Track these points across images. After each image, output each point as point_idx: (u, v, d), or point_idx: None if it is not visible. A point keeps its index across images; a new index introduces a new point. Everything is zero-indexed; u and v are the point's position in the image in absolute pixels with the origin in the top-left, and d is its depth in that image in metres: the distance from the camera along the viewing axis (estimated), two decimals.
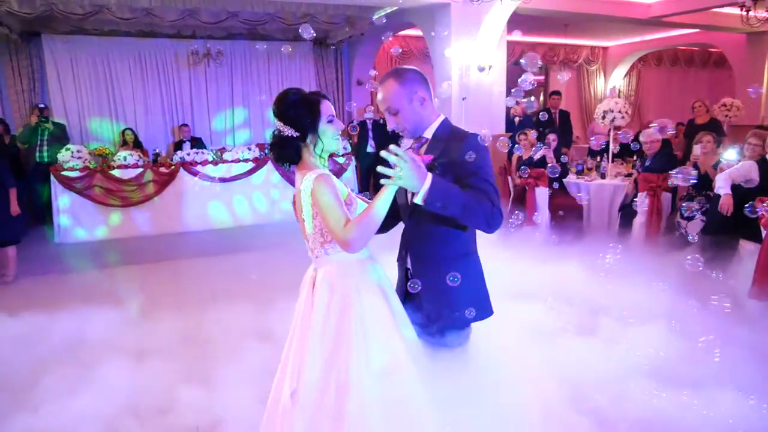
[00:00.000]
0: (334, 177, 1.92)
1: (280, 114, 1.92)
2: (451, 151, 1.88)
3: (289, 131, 1.91)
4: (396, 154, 1.67)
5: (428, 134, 1.98)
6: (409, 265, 2.05)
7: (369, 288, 1.91)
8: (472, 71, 7.68)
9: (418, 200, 1.74)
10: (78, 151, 7.06)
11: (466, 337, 2.03)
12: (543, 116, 6.87)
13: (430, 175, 1.73)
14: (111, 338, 3.50)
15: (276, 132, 1.96)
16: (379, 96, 1.97)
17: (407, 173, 1.67)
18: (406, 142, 2.02)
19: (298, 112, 1.90)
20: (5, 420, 2.67)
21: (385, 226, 2.07)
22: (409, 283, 1.96)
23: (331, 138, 1.96)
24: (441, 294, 1.94)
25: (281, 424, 1.88)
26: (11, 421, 2.66)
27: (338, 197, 1.85)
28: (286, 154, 1.95)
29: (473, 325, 2.04)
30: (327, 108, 1.96)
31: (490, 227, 1.83)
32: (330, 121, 1.96)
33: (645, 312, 3.51)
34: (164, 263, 5.80)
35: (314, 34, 2.59)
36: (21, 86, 8.62)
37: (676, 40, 11.82)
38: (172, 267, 5.65)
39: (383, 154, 1.70)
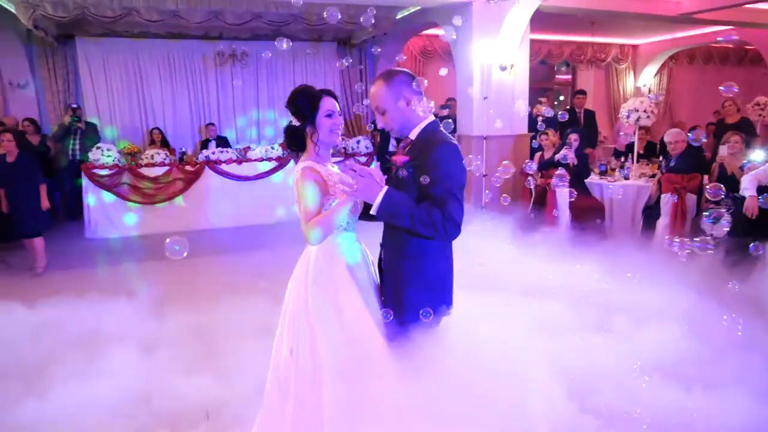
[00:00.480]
0: (324, 167, 2.13)
1: (288, 104, 2.17)
2: (424, 156, 1.97)
3: (294, 121, 2.17)
4: (353, 170, 1.89)
5: (413, 135, 2.07)
6: (382, 256, 2.24)
7: (339, 263, 2.12)
8: (494, 70, 7.63)
9: (372, 211, 1.94)
10: (108, 150, 7.30)
11: (427, 329, 2.04)
12: (563, 116, 6.75)
13: (384, 190, 1.90)
14: (128, 330, 3.61)
15: (289, 122, 2.22)
16: (370, 95, 2.10)
17: (361, 188, 1.90)
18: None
19: (300, 103, 2.13)
20: (17, 406, 2.78)
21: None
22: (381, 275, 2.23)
23: (327, 131, 2.15)
24: (396, 291, 2.09)
25: (284, 378, 2.13)
26: (22, 407, 2.76)
27: (315, 192, 2.05)
28: (292, 142, 2.22)
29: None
30: (328, 103, 2.15)
31: (440, 236, 1.94)
32: (328, 116, 2.14)
33: (661, 312, 3.44)
34: (187, 259, 5.92)
35: (290, 45, 2.72)
36: (56, 87, 8.96)
37: (708, 38, 11.48)
38: (193, 263, 5.77)
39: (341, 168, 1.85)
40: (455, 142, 2.03)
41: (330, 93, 2.17)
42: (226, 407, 2.76)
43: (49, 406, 2.76)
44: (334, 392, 1.97)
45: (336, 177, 2.10)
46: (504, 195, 3.16)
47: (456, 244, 2.14)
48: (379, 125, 2.12)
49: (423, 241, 2.02)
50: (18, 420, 2.70)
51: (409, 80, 2.05)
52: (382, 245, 2.23)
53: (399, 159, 1.98)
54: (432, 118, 2.09)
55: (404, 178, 2.01)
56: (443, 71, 3.42)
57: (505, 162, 2.62)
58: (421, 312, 1.98)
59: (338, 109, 2.17)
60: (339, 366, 1.99)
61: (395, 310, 2.07)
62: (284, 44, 2.73)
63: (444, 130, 2.10)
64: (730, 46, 13.01)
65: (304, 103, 2.12)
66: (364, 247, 2.28)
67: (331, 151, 2.29)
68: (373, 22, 2.84)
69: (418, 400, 1.90)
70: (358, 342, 2.02)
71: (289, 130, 2.20)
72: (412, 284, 2.04)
